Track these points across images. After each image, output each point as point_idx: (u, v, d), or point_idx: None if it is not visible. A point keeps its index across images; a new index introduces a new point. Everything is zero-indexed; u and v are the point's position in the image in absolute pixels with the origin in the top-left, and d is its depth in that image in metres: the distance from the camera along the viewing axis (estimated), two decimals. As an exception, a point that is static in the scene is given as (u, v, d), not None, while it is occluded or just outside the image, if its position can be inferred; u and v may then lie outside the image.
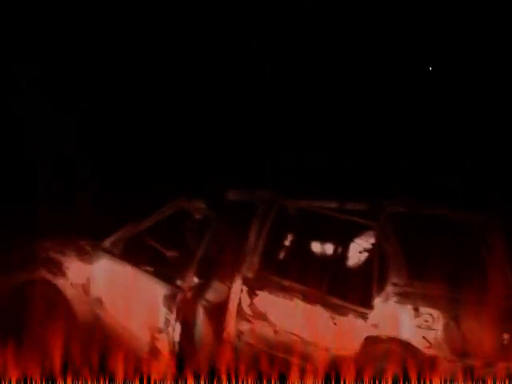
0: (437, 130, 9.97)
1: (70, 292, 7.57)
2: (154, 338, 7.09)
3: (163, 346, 7.08)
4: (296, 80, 10.22)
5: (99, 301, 7.48)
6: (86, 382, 6.35)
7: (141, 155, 9.88)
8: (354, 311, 6.84)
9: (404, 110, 9.95)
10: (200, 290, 7.34)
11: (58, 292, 7.58)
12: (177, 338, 7.08)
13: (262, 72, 10.29)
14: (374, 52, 9.62)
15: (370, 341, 6.79)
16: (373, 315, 6.78)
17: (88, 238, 7.79)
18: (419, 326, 6.69)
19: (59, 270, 7.64)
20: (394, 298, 6.76)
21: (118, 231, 7.64)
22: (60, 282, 7.61)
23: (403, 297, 6.76)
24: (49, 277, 7.64)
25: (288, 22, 10.23)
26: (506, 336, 6.65)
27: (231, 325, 7.15)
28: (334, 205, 7.19)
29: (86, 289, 7.54)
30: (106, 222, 8.12)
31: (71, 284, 7.59)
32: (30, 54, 10.38)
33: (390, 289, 6.78)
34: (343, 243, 7.27)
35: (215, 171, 8.52)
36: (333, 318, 6.87)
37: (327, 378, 6.59)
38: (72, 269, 7.61)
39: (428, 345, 6.65)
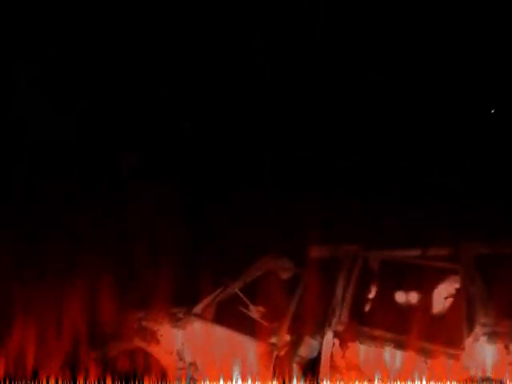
0: (437, 130, 10.02)
1: (164, 359, 7.85)
2: (254, 396, 7.29)
3: (263, 403, 7.28)
4: (296, 80, 10.33)
5: (194, 365, 7.72)
6: None
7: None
8: (446, 353, 7.01)
9: (404, 110, 10.00)
10: (293, 347, 7.57)
11: (153, 359, 7.87)
12: (275, 394, 7.27)
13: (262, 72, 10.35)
14: (373, 52, 9.63)
15: (465, 382, 6.95)
16: (464, 356, 6.94)
17: (179, 304, 8.08)
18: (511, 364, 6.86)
19: (153, 338, 7.92)
20: (484, 338, 6.93)
21: (209, 296, 7.95)
22: (154, 349, 7.88)
23: (493, 336, 6.91)
24: (143, 345, 7.94)
25: (288, 22, 10.27)
26: None
27: (326, 378, 7.35)
28: (416, 252, 7.47)
29: (180, 354, 7.79)
30: (195, 288, 8.43)
31: (165, 351, 7.86)
32: (30, 54, 10.53)
33: (479, 329, 6.93)
34: (428, 289, 7.48)
35: (300, 230, 8.69)
36: (426, 362, 7.05)
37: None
38: (165, 336, 7.88)
39: (522, 381, 6.82)
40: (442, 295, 7.49)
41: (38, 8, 10.56)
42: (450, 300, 7.44)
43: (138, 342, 7.91)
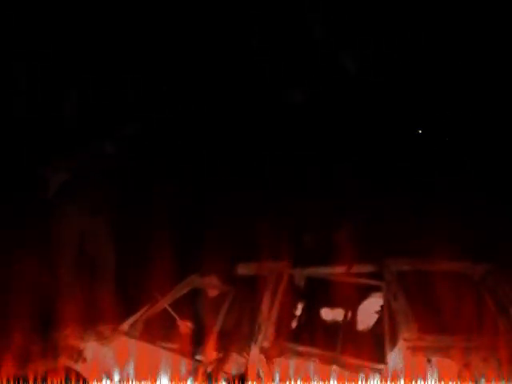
0: (436, 130, 10.11)
1: (92, 377, 7.81)
2: (178, 414, 7.31)
3: (189, 420, 7.31)
4: (296, 80, 10.28)
5: (121, 383, 7.71)
6: None
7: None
8: (369, 368, 7.15)
9: (404, 109, 10.05)
10: (220, 363, 7.62)
11: (79, 377, 7.83)
12: (201, 411, 7.32)
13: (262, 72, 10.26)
14: (373, 52, 9.60)
15: (387, 395, 7.10)
16: (388, 370, 7.10)
17: (106, 322, 8.07)
18: (433, 376, 7.03)
19: (79, 355, 7.89)
20: (407, 352, 7.10)
21: (136, 313, 7.96)
22: (82, 367, 7.84)
23: (415, 350, 7.10)
24: (70, 364, 7.90)
25: (288, 22, 10.26)
26: (517, 377, 7.02)
27: (252, 394, 7.42)
28: (341, 269, 7.61)
29: (107, 372, 7.77)
30: (122, 305, 8.43)
31: (92, 369, 7.83)
32: (30, 53, 10.44)
33: (402, 344, 7.11)
34: (353, 306, 7.62)
35: (224, 246, 8.71)
36: (349, 376, 7.18)
37: None
38: (92, 354, 7.86)
39: (444, 394, 6.99)
40: (367, 311, 7.64)
41: (38, 8, 10.50)
42: (374, 316, 7.60)
43: (65, 361, 7.88)
